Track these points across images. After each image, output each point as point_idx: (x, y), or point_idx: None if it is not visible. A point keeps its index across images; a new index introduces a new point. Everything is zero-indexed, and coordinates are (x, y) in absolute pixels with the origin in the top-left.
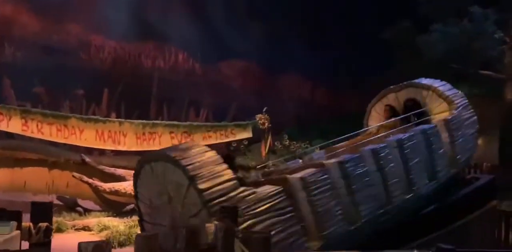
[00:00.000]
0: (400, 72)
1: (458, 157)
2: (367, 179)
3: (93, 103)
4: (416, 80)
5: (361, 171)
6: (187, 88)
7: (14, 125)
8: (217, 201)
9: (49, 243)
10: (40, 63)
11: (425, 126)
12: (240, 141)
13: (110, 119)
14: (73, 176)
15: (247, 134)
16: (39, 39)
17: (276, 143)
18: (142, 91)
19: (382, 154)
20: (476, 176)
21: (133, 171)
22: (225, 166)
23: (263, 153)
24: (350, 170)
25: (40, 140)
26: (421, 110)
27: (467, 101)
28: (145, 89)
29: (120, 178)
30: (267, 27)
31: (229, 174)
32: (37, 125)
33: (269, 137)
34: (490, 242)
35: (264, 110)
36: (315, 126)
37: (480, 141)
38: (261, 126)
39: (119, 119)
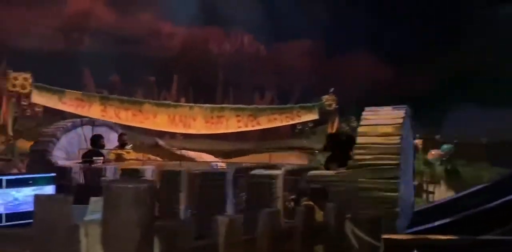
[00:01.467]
0: (478, 49)
1: None
2: None
3: (163, 89)
4: None
5: None
6: (252, 71)
7: (94, 111)
8: None
9: None
10: (115, 52)
11: None
12: (305, 123)
13: (180, 104)
14: (148, 158)
15: (313, 116)
16: (114, 29)
17: (343, 124)
18: (209, 76)
19: None
20: None
21: (203, 154)
22: None
23: None
24: None
25: (118, 125)
26: None
27: None
28: (212, 74)
29: (191, 160)
30: (331, 5)
31: None
32: (114, 111)
33: (336, 119)
34: None
35: (331, 90)
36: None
37: None
38: (328, 108)
39: (189, 104)
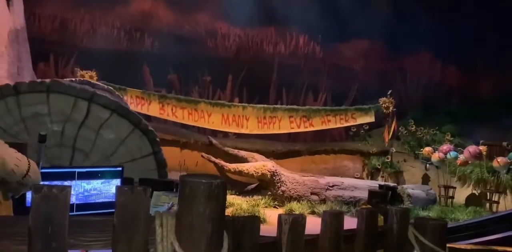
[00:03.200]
0: None
1: None
2: None
3: (218, 89)
4: None
5: None
6: (307, 72)
7: (153, 109)
8: None
9: None
10: (173, 52)
11: None
12: (360, 125)
13: (234, 103)
14: (202, 156)
15: (369, 119)
16: (173, 29)
17: (400, 128)
18: (263, 76)
19: None
20: None
21: (255, 154)
22: None
23: (386, 139)
24: None
25: (173, 123)
26: None
27: None
28: (266, 75)
29: (243, 160)
30: (391, 3)
31: None
32: (172, 109)
33: (394, 122)
34: None
35: (388, 93)
36: (445, 111)
37: None
38: (384, 110)
39: (243, 104)
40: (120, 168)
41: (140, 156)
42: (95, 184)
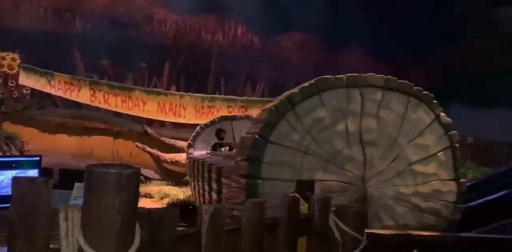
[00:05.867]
0: (470, 48)
1: None
2: None
3: (154, 76)
4: None
5: None
6: (245, 63)
7: (84, 95)
8: None
9: None
10: (107, 36)
11: None
12: None
13: (171, 92)
14: (136, 145)
15: None
16: (107, 12)
17: None
18: (201, 65)
19: None
20: None
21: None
22: None
23: None
24: None
25: (106, 111)
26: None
27: None
28: (204, 63)
29: (180, 150)
30: None
31: None
32: (104, 96)
33: None
34: None
35: None
36: None
37: None
38: None
39: (180, 92)
40: (38, 158)
41: (425, 126)
42: (9, 175)
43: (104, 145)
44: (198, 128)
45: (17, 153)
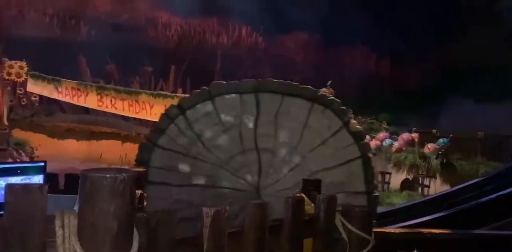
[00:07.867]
0: (475, 42)
1: None
2: None
3: (160, 79)
4: None
5: None
6: (249, 63)
7: (91, 100)
8: None
9: (142, 209)
10: (111, 41)
11: None
12: None
13: (177, 94)
14: None
15: None
16: (110, 18)
17: None
18: (206, 67)
19: None
20: None
21: None
22: None
23: None
24: None
25: (113, 115)
26: None
27: None
28: (209, 65)
29: None
30: None
31: None
32: (111, 101)
33: None
34: None
35: (328, 83)
36: (379, 101)
37: None
38: None
39: (186, 95)
40: (43, 163)
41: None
42: (14, 181)
43: (112, 149)
44: None
45: (27, 159)
